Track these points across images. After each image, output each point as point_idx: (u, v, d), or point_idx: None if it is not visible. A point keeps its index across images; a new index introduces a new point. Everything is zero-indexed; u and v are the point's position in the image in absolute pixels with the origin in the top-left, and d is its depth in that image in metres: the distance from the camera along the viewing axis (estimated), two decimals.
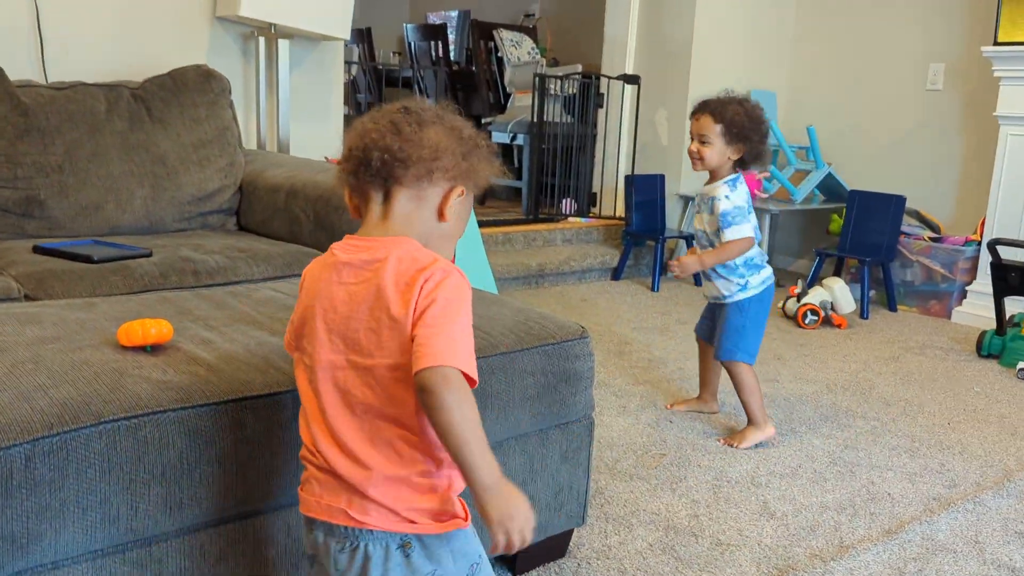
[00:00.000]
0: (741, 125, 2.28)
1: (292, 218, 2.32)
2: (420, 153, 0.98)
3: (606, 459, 2.20)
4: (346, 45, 7.74)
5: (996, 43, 3.71)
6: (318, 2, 3.05)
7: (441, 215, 1.03)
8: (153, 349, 1.25)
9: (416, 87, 6.24)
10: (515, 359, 1.47)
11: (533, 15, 6.69)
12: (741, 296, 2.36)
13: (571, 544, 1.74)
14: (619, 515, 1.90)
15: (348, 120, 5.72)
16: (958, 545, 1.85)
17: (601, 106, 4.96)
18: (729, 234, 2.29)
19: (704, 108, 2.34)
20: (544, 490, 1.58)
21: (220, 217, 2.53)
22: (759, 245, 2.41)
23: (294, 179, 2.40)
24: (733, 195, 2.31)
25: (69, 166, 2.30)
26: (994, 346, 3.31)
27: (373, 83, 6.61)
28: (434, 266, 0.94)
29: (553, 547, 1.68)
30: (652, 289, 4.31)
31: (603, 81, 4.86)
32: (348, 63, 6.71)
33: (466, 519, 1.01)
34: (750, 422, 2.37)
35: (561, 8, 6.43)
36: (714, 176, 2.36)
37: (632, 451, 2.26)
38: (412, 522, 0.96)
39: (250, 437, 1.17)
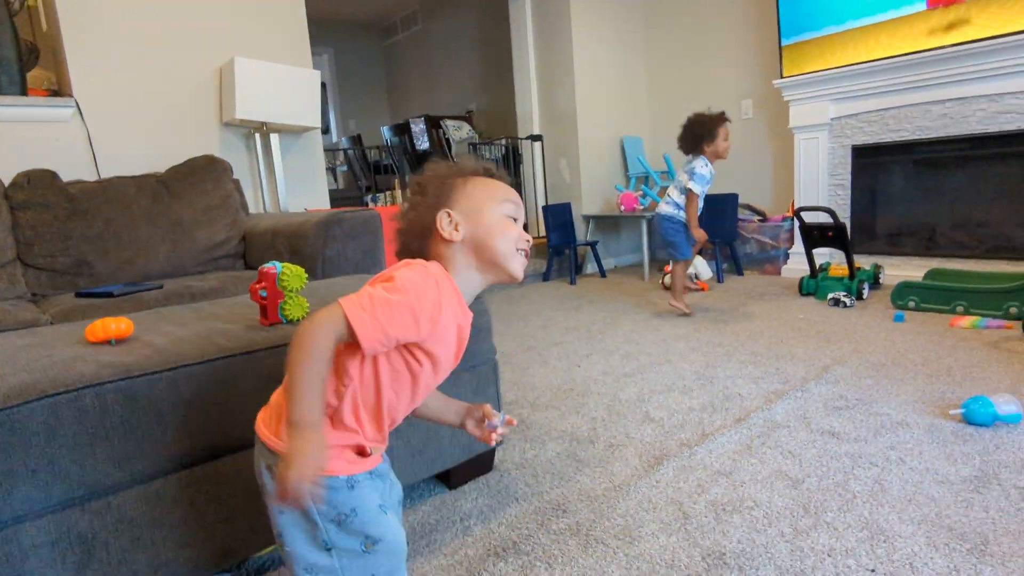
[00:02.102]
0: None
1: (276, 251, 2.14)
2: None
3: (529, 397, 2.02)
4: (330, 139, 7.56)
5: (782, 77, 3.62)
6: (294, 103, 2.88)
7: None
8: (116, 342, 1.07)
9: (395, 170, 6.09)
10: None
11: (472, 110, 6.59)
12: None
13: (496, 460, 1.56)
14: (535, 436, 1.71)
15: (335, 193, 5.63)
16: (791, 422, 1.68)
17: (521, 162, 4.84)
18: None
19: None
20: None
21: (230, 260, 2.33)
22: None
23: (277, 224, 2.22)
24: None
25: (108, 234, 2.11)
26: (809, 286, 3.17)
27: (366, 170, 6.46)
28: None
29: (480, 463, 1.49)
30: (571, 283, 4.15)
31: (521, 143, 4.73)
32: (340, 151, 6.64)
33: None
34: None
35: (491, 102, 6.34)
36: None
37: (549, 390, 2.08)
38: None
39: (187, 399, 0.98)
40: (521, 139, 4.68)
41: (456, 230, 0.86)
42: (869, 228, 3.54)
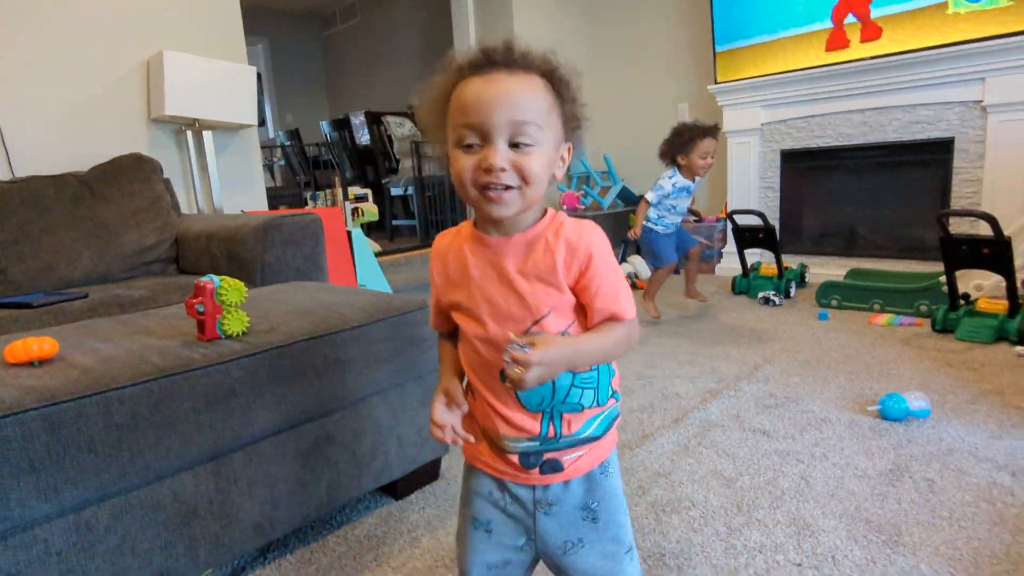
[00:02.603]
0: None
1: (211, 256, 2.06)
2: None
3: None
4: (266, 132, 7.32)
5: (716, 82, 3.75)
6: (228, 99, 2.78)
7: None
8: (40, 363, 1.01)
9: (334, 166, 5.97)
10: (366, 331, 1.28)
11: (414, 105, 6.50)
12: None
13: (442, 468, 1.56)
14: None
15: (273, 191, 5.45)
16: (725, 421, 1.76)
17: None
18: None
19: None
20: (409, 430, 1.39)
21: (161, 265, 2.23)
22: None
23: (211, 227, 2.14)
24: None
25: (24, 238, 1.98)
26: (742, 285, 3.30)
27: (305, 166, 6.29)
28: None
29: (426, 472, 1.49)
30: None
31: None
32: (279, 147, 6.44)
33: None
34: None
35: None
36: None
37: None
38: None
39: (119, 423, 0.94)
40: None
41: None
42: (796, 229, 3.71)
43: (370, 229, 5.58)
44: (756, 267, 3.33)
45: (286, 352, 1.14)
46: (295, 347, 1.15)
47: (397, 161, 5.43)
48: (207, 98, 2.70)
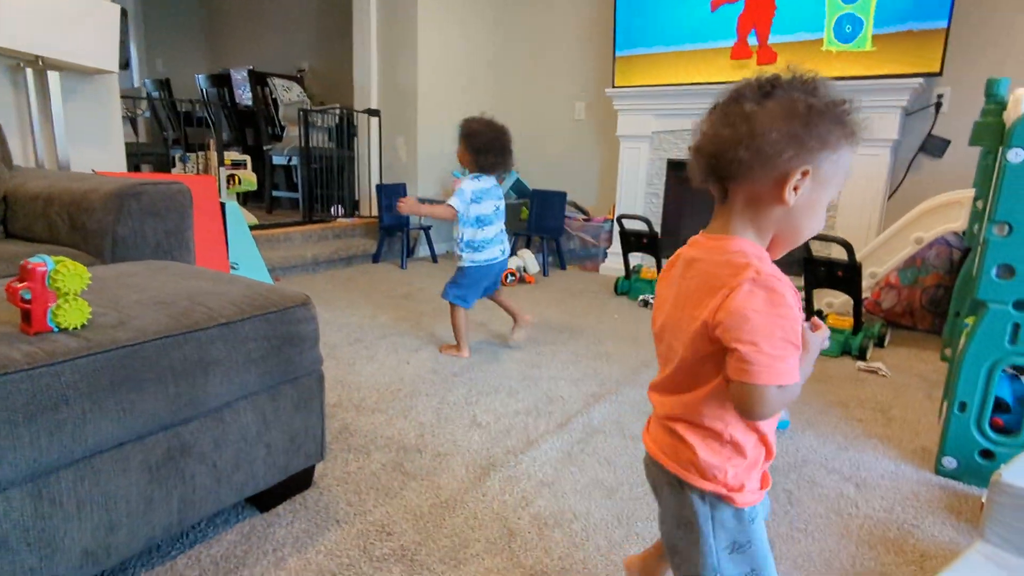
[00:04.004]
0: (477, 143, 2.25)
1: (50, 222, 1.76)
2: (753, 150, 0.68)
3: (354, 399, 1.91)
4: (130, 78, 6.59)
5: (614, 86, 3.81)
6: (83, 37, 2.39)
7: (781, 200, 0.70)
8: None
9: (210, 125, 5.43)
10: (236, 328, 1.13)
11: (304, 70, 6.07)
12: (460, 264, 2.29)
13: (316, 476, 1.44)
14: (360, 444, 1.62)
15: (135, 147, 4.88)
16: (607, 427, 1.77)
17: (356, 135, 4.57)
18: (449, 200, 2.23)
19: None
20: (281, 437, 1.26)
21: None
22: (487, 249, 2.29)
23: (52, 188, 1.82)
24: (465, 183, 2.25)
25: None
26: (624, 287, 3.40)
27: (175, 122, 5.66)
28: (744, 274, 0.68)
29: (298, 482, 1.37)
30: (401, 267, 4.03)
31: (356, 116, 4.46)
32: (144, 98, 5.76)
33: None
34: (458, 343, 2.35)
35: (326, 66, 5.89)
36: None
37: (376, 390, 1.99)
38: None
39: None
40: (357, 111, 4.41)
41: (795, 193, 0.70)
42: (676, 235, 3.88)
43: (246, 198, 5.16)
44: (638, 270, 3.44)
45: (136, 353, 0.97)
46: (148, 347, 0.99)
47: (282, 128, 5.05)
48: (54, 32, 2.31)
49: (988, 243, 1.40)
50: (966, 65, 2.97)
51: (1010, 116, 1.40)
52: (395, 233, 4.21)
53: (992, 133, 1.49)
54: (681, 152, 3.70)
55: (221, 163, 3.74)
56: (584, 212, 4.30)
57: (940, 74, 2.85)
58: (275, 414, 1.24)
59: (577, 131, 4.39)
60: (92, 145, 2.66)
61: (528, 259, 3.79)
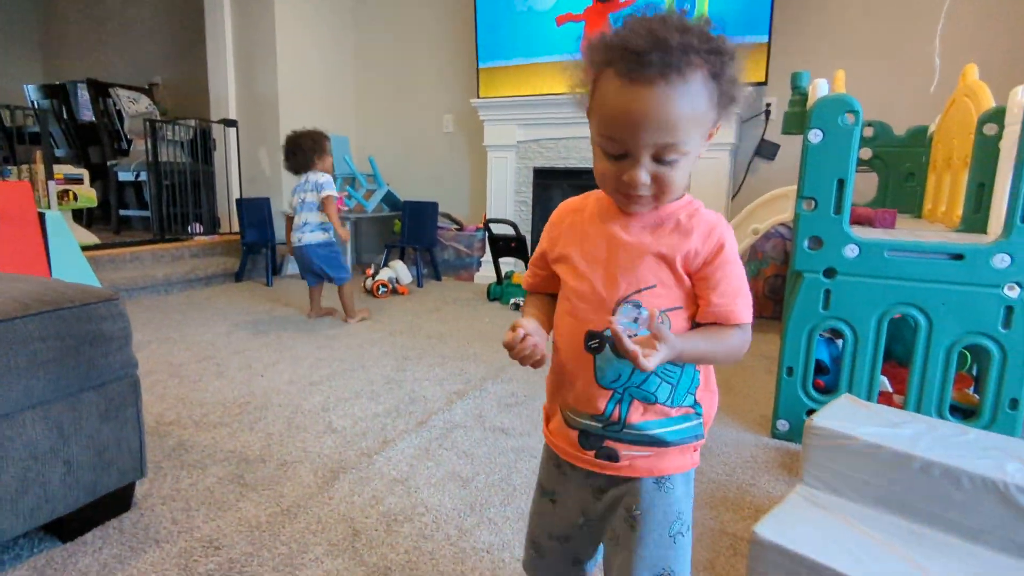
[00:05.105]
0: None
1: None
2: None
3: (195, 415, 1.74)
4: None
5: (479, 97, 3.86)
6: None
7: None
8: None
9: (46, 139, 4.86)
10: (14, 326, 0.98)
11: (157, 83, 5.64)
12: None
13: (137, 496, 1.28)
14: (195, 460, 1.47)
15: None
16: (468, 421, 1.74)
17: (215, 148, 4.29)
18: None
19: None
20: (84, 453, 1.11)
21: None
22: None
23: None
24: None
25: None
26: (496, 292, 3.41)
27: (3, 140, 5.03)
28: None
29: (111, 503, 1.21)
30: (267, 284, 3.81)
31: (215, 129, 4.18)
32: None
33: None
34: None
35: (180, 77, 5.49)
36: None
37: (221, 405, 1.82)
38: None
39: None
40: (214, 123, 4.14)
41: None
42: None
43: (92, 219, 4.67)
44: (509, 275, 3.47)
45: None
46: None
47: (129, 142, 4.63)
48: None
49: (799, 218, 1.53)
50: (788, 75, 3.29)
51: (810, 104, 1.55)
52: (259, 250, 3.97)
53: (798, 120, 1.64)
54: (546, 160, 3.80)
55: (50, 177, 3.36)
56: (457, 222, 4.29)
57: (766, 83, 3.14)
58: (75, 425, 1.09)
59: (447, 142, 4.39)
60: None
61: (400, 270, 3.71)
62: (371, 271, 3.65)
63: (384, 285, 3.52)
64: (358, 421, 1.72)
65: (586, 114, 0.68)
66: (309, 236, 2.73)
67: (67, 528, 1.14)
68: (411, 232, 4.05)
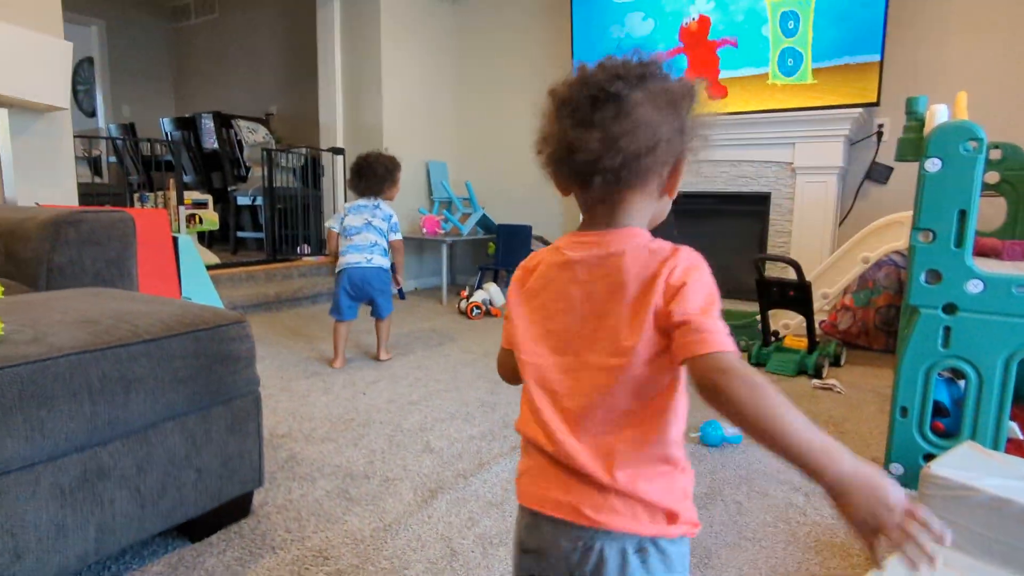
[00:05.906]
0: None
1: None
2: (636, 150, 0.61)
3: (304, 429, 1.86)
4: (96, 124, 6.55)
5: None
6: (34, 75, 2.40)
7: (670, 192, 0.68)
8: None
9: (179, 168, 5.41)
10: (162, 345, 1.11)
11: (272, 113, 6.14)
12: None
13: (255, 504, 1.39)
14: (305, 473, 1.57)
15: (95, 187, 4.81)
16: None
17: (323, 175, 4.60)
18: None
19: None
20: (213, 461, 1.22)
21: None
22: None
23: None
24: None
25: None
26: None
27: (140, 166, 5.65)
28: (676, 256, 0.62)
29: (233, 510, 1.32)
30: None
31: (324, 156, 4.49)
32: (104, 139, 5.71)
33: (696, 525, 0.66)
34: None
35: (292, 107, 5.96)
36: None
37: (328, 420, 1.94)
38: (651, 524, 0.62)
39: None
40: (323, 150, 4.45)
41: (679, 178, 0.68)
42: None
43: (213, 240, 5.11)
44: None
45: (48, 368, 0.94)
46: (61, 362, 0.96)
47: (247, 169, 5.05)
48: (2, 69, 2.30)
49: (915, 250, 1.44)
50: (902, 95, 3.11)
51: (927, 130, 1.47)
52: None
53: (913, 147, 1.55)
54: None
55: (181, 202, 3.72)
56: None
57: (878, 104, 2.98)
58: (206, 436, 1.20)
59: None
60: (41, 182, 2.63)
61: (494, 292, 3.79)
62: (465, 293, 3.76)
63: (478, 307, 3.61)
64: (454, 442, 1.78)
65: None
66: (379, 259, 2.55)
67: (196, 530, 1.26)
68: (505, 255, 4.14)
